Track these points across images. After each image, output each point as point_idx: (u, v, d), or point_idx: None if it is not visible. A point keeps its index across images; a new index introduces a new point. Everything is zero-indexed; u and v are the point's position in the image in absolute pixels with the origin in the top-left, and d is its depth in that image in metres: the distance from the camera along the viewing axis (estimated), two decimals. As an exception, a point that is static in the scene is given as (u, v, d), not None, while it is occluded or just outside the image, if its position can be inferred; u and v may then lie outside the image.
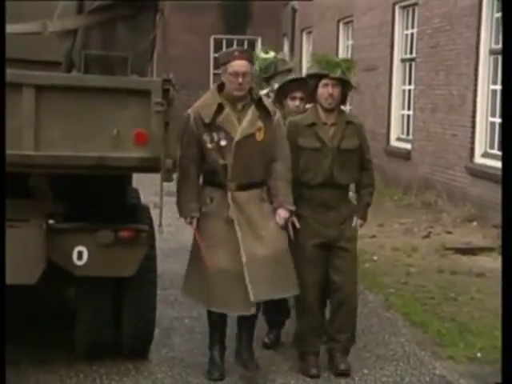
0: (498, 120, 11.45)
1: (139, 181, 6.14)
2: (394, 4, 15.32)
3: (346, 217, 5.42)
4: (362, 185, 5.55)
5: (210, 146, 4.95)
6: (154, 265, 5.44)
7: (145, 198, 6.53)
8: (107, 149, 4.73)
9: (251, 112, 5.02)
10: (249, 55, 5.13)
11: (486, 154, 11.79)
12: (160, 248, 5.61)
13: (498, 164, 11.23)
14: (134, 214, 5.50)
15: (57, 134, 4.72)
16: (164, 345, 5.72)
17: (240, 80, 4.88)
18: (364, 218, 5.58)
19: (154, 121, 4.67)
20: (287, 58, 7.39)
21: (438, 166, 12.97)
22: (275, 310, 5.78)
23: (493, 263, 9.13)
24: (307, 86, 5.54)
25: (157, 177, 4.75)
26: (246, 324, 5.27)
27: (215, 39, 25.23)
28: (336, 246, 5.34)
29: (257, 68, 6.23)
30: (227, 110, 4.98)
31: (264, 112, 5.09)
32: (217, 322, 5.25)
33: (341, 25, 19.31)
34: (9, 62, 5.18)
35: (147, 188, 6.21)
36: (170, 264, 7.26)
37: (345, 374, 5.25)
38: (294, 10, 22.60)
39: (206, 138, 4.95)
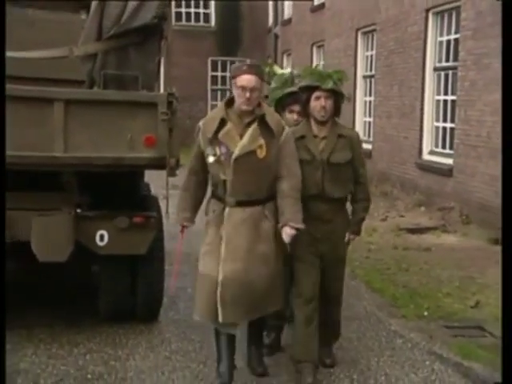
0: (441, 124, 11.59)
1: (149, 176, 6.12)
2: (357, 30, 15.32)
3: (339, 231, 4.54)
4: (356, 199, 4.63)
5: (211, 159, 4.17)
6: (162, 245, 5.45)
7: (154, 190, 6.52)
8: (123, 150, 4.75)
9: (252, 129, 4.12)
10: (258, 70, 4.22)
11: (431, 152, 11.88)
12: (167, 231, 5.59)
13: (442, 160, 11.34)
14: (146, 204, 5.51)
15: (82, 139, 4.73)
16: (171, 309, 5.72)
17: (248, 95, 4.05)
18: (357, 233, 4.69)
19: (161, 127, 4.71)
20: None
21: (393, 162, 13.01)
22: (274, 314, 4.66)
23: (437, 240, 9.20)
24: None
25: (163, 173, 4.80)
26: (254, 328, 4.60)
27: (212, 60, 25.11)
28: (326, 261, 4.52)
29: (274, 85, 5.09)
30: (229, 125, 4.13)
31: (267, 129, 4.17)
32: (219, 332, 4.39)
33: (314, 48, 19.29)
34: (42, 80, 5.20)
35: (156, 182, 6.18)
36: (176, 244, 7.23)
37: (332, 366, 4.74)
38: (276, 36, 22.56)
39: (209, 151, 4.17)
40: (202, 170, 4.30)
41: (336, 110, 4.50)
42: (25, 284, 6.40)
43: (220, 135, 4.11)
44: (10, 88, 4.70)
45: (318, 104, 4.35)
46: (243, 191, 4.16)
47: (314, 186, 4.36)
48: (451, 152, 11.02)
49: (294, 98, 4.76)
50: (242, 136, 4.11)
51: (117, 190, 5.21)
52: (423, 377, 4.64)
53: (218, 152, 4.13)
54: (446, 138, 11.41)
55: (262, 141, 4.12)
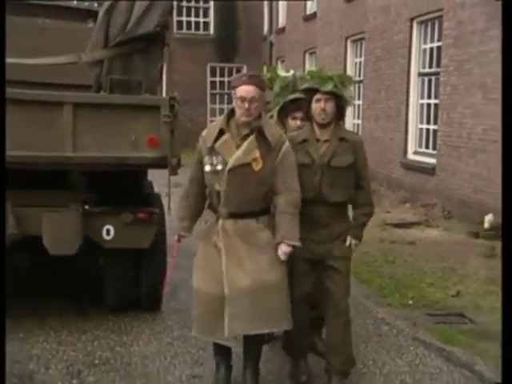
0: (424, 126, 11.61)
1: (152, 175, 6.13)
2: (346, 38, 15.33)
3: (338, 235, 4.14)
4: (357, 204, 4.21)
5: (208, 169, 3.88)
6: (164, 239, 5.46)
7: (157, 188, 6.53)
8: (127, 150, 4.76)
9: (249, 141, 3.82)
10: (257, 80, 3.89)
11: (415, 152, 11.90)
12: (169, 226, 5.60)
13: (425, 159, 11.36)
14: (149, 200, 5.51)
15: (89, 140, 4.74)
16: (173, 299, 5.73)
17: (246, 106, 3.76)
18: (358, 237, 4.23)
19: (163, 129, 4.71)
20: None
21: (380, 162, 13.01)
22: None
23: (421, 234, 9.21)
24: None
25: (165, 171, 4.80)
26: (252, 345, 4.11)
27: (211, 66, 25.07)
28: (326, 265, 4.14)
29: (277, 88, 4.77)
30: (227, 135, 3.86)
31: (265, 141, 3.84)
32: (219, 348, 4.13)
33: (306, 55, 19.27)
34: (52, 85, 5.21)
35: (158, 180, 6.18)
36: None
37: None
38: (271, 44, 22.56)
39: (206, 160, 3.88)
40: (202, 179, 4.01)
41: (339, 114, 4.14)
42: (37, 276, 6.40)
43: (217, 145, 3.85)
44: (23, 93, 4.72)
45: (318, 106, 4.01)
46: (236, 203, 3.86)
47: (311, 190, 4.01)
48: (434, 152, 11.05)
49: (297, 104, 4.47)
50: (239, 147, 3.83)
51: (122, 187, 5.21)
52: (408, 361, 4.66)
53: (214, 162, 3.86)
54: (430, 139, 11.43)
55: (257, 154, 3.81)
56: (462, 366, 4.55)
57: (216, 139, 3.87)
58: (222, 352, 4.12)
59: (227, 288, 3.80)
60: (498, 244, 7.99)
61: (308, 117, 4.16)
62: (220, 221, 3.89)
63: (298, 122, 4.50)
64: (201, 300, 3.95)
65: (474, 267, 7.15)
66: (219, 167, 3.83)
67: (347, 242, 4.17)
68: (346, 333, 4.18)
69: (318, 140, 4.09)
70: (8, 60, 4.93)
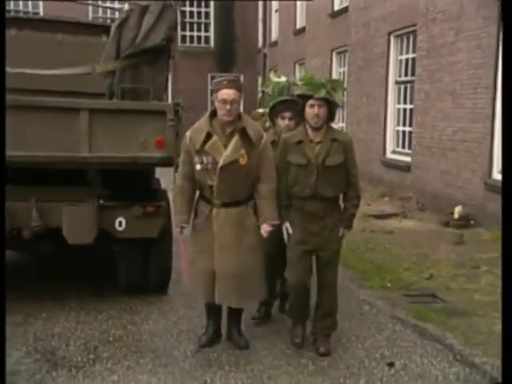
0: (401, 128, 11.62)
1: (160, 172, 6.13)
2: (332, 51, 15.31)
3: (332, 226, 4.22)
4: (348, 197, 4.28)
5: (199, 167, 4.03)
6: (170, 229, 5.45)
7: (164, 184, 6.52)
8: (137, 151, 4.75)
9: (235, 140, 3.98)
10: (236, 84, 4.05)
11: (393, 152, 11.91)
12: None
13: (402, 158, 11.39)
14: (156, 195, 5.51)
15: (103, 142, 4.73)
16: (178, 283, 5.71)
17: (228, 107, 3.91)
18: (349, 227, 4.34)
19: (169, 131, 4.72)
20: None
21: (362, 160, 12.91)
22: None
23: (398, 224, 9.22)
24: (296, 106, 4.30)
25: (171, 169, 4.80)
26: (235, 309, 4.39)
27: (211, 76, 24.84)
28: (320, 255, 4.26)
29: (270, 92, 4.79)
30: (215, 137, 3.98)
31: (248, 139, 4.01)
32: (210, 307, 4.41)
33: (296, 65, 19.23)
34: (70, 93, 5.20)
35: (165, 177, 6.17)
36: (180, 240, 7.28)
37: (325, 355, 4.27)
38: (265, 55, 22.52)
39: (196, 159, 4.02)
40: (193, 175, 4.13)
41: (330, 116, 4.17)
42: (58, 263, 6.40)
43: (206, 147, 3.97)
44: (45, 100, 4.71)
45: (312, 112, 4.02)
46: (227, 194, 4.06)
47: (308, 188, 4.07)
48: (409, 151, 11.06)
49: (286, 105, 4.51)
50: (225, 145, 3.99)
51: (132, 184, 5.21)
52: (386, 336, 4.68)
53: (204, 161, 4.00)
54: (406, 140, 11.44)
55: (243, 151, 3.99)
56: (434, 340, 4.56)
57: (204, 141, 3.97)
58: (213, 316, 4.43)
59: (217, 266, 4.11)
60: (466, 232, 8.04)
61: (302, 120, 4.18)
62: (214, 210, 4.10)
63: (287, 121, 4.53)
64: (201, 275, 4.18)
65: (444, 253, 7.17)
66: (210, 166, 3.99)
67: (340, 233, 4.27)
68: (333, 303, 4.40)
69: (311, 141, 4.10)
70: (31, 71, 4.93)
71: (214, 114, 4.08)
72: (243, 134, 4.00)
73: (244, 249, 4.13)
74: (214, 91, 4.02)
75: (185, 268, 4.44)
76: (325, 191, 4.09)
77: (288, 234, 4.25)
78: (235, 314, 4.44)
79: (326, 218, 4.17)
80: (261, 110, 5.27)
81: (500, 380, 3.47)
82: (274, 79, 4.87)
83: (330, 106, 4.09)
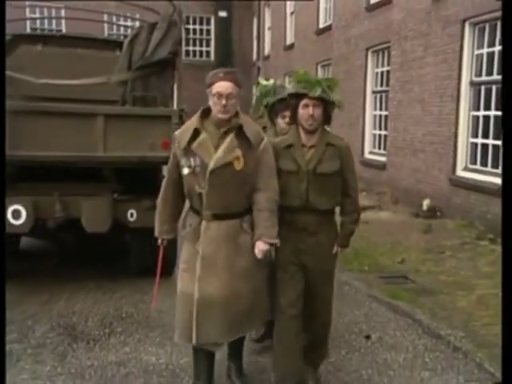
0: (377, 132, 11.61)
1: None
2: (317, 64, 15.27)
3: (325, 244, 3.15)
4: (345, 212, 3.22)
5: (186, 171, 2.94)
6: None
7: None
8: (146, 151, 4.73)
9: (229, 140, 2.89)
10: (234, 77, 2.94)
11: (371, 152, 11.88)
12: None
13: (378, 158, 11.37)
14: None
15: (117, 143, 4.71)
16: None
17: (224, 102, 2.85)
18: (345, 246, 3.28)
19: (174, 134, 4.69)
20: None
21: (343, 159, 13.02)
22: None
23: (375, 215, 9.18)
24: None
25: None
26: (234, 343, 3.21)
27: (212, 86, 24.98)
28: (312, 275, 3.15)
29: (257, 94, 4.02)
30: (203, 135, 2.91)
31: (245, 140, 2.92)
32: (197, 351, 3.14)
33: (286, 77, 19.18)
34: (88, 101, 5.18)
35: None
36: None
37: None
38: (259, 68, 22.43)
39: (183, 162, 2.95)
40: (179, 181, 3.05)
41: (326, 119, 3.15)
42: (78, 250, 6.39)
43: (193, 146, 2.90)
44: (66, 107, 4.70)
45: (306, 112, 3.02)
46: (219, 204, 2.93)
47: (297, 198, 3.05)
48: (385, 152, 11.06)
49: (286, 104, 3.48)
50: (217, 147, 2.90)
51: (142, 180, 5.19)
52: (364, 313, 4.68)
53: (192, 163, 2.92)
54: (381, 142, 11.44)
55: (238, 152, 2.89)
56: (406, 316, 4.57)
57: (191, 140, 2.92)
58: (202, 362, 3.16)
59: (197, 294, 2.90)
60: (433, 222, 8.06)
61: (294, 122, 3.17)
62: (203, 223, 2.96)
63: (287, 120, 3.53)
64: (182, 303, 3.01)
65: (414, 240, 7.18)
66: (198, 169, 2.91)
67: (334, 250, 3.22)
68: (324, 335, 3.36)
69: (303, 146, 3.11)
70: (54, 81, 4.91)
71: (206, 112, 3.02)
72: (240, 133, 2.94)
73: (235, 272, 2.95)
74: (208, 85, 2.93)
75: (156, 290, 3.40)
76: (317, 202, 3.06)
77: (276, 249, 3.11)
78: (234, 349, 3.35)
79: (318, 233, 3.11)
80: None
81: (500, 380, 3.14)
82: (263, 82, 4.18)
83: (326, 107, 3.11)
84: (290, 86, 3.24)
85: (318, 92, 3.02)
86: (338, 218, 3.28)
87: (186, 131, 2.98)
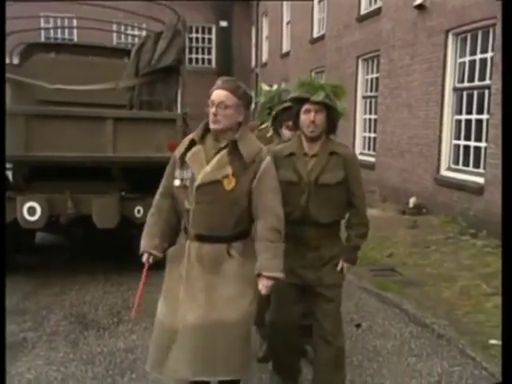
0: (367, 134, 11.59)
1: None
2: (311, 71, 15.23)
3: (328, 259, 2.72)
4: (351, 225, 2.78)
5: (177, 183, 2.49)
6: None
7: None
8: (152, 152, 4.71)
9: (219, 156, 2.42)
10: (231, 85, 2.48)
11: (361, 153, 11.73)
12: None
13: (368, 158, 11.30)
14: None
15: (125, 144, 4.70)
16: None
17: (213, 110, 2.39)
18: (352, 261, 2.78)
19: (178, 136, 4.67)
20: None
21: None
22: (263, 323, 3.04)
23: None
24: None
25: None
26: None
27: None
28: (315, 292, 2.72)
29: (261, 100, 3.62)
30: (198, 146, 2.47)
31: (239, 159, 2.40)
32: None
33: (282, 83, 19.15)
34: (98, 105, 5.17)
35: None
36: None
37: None
38: (257, 75, 22.38)
39: (177, 174, 2.51)
40: (174, 193, 2.57)
41: (331, 127, 2.72)
42: (88, 244, 6.37)
43: (187, 157, 2.48)
44: (77, 110, 4.69)
45: (307, 118, 2.64)
46: (203, 224, 2.44)
47: (298, 209, 2.64)
48: (374, 153, 11.05)
49: (290, 113, 2.99)
50: (210, 161, 2.44)
51: (148, 179, 5.17)
52: (355, 303, 4.67)
53: (184, 176, 2.49)
54: (371, 144, 11.42)
55: (229, 170, 2.39)
56: (393, 306, 4.57)
57: (186, 151, 2.50)
58: None
59: (180, 322, 2.41)
60: (419, 218, 8.05)
61: (296, 128, 2.79)
62: (187, 243, 2.50)
63: (293, 131, 3.13)
64: (156, 331, 2.53)
65: (401, 235, 7.18)
66: (188, 183, 2.46)
67: (339, 267, 2.75)
68: (335, 366, 2.78)
69: (305, 154, 2.71)
70: (67, 87, 4.90)
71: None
72: (234, 149, 2.43)
73: (217, 301, 2.40)
74: (209, 96, 2.53)
75: (137, 302, 2.75)
76: (319, 215, 2.66)
77: None
78: None
79: (321, 248, 2.71)
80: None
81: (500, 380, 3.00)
82: (265, 88, 3.82)
83: (330, 114, 2.69)
84: (292, 90, 2.85)
85: (320, 97, 2.62)
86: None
87: (185, 142, 2.56)
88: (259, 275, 2.40)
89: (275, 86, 3.74)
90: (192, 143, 2.51)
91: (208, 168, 2.42)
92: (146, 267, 2.64)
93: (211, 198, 2.41)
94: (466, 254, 6.16)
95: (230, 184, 2.40)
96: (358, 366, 3.49)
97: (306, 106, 2.66)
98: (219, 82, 2.53)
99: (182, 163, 2.51)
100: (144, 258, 2.61)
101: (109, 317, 4.25)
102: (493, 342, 3.78)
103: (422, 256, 6.17)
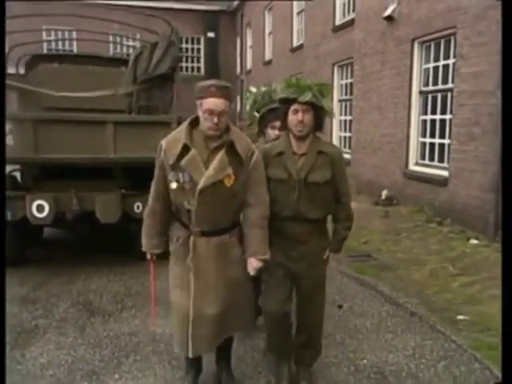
0: (343, 134, 11.60)
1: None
2: (291, 77, 15.20)
3: (317, 252, 2.68)
4: (338, 219, 2.73)
5: (175, 185, 2.40)
6: None
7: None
8: (149, 153, 4.62)
9: (220, 157, 2.36)
10: (226, 92, 2.36)
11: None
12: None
13: (344, 156, 11.35)
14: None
15: (125, 146, 4.63)
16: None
17: (216, 120, 2.31)
18: (337, 251, 2.81)
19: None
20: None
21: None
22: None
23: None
24: None
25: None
26: (223, 348, 2.78)
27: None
28: (304, 282, 2.69)
29: (250, 102, 3.43)
30: (193, 151, 2.36)
31: (236, 156, 2.40)
32: (191, 360, 2.77)
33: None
34: (99, 110, 5.11)
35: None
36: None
37: None
38: (242, 81, 22.28)
39: (171, 177, 2.41)
40: (167, 195, 2.50)
41: (317, 125, 2.61)
42: (92, 238, 6.30)
43: (183, 163, 2.35)
44: (81, 116, 4.62)
45: (296, 118, 2.52)
46: (208, 221, 2.44)
47: (288, 208, 2.56)
48: (349, 151, 11.07)
49: (276, 114, 2.96)
50: (206, 163, 2.36)
51: (146, 177, 5.12)
52: (336, 286, 4.68)
53: (181, 179, 2.38)
54: (347, 143, 11.45)
55: (230, 170, 2.37)
56: (370, 288, 4.59)
57: (180, 156, 2.37)
58: (192, 369, 2.83)
59: (192, 312, 2.49)
60: (391, 209, 8.10)
61: (285, 128, 2.65)
62: (191, 239, 2.47)
63: (277, 131, 3.05)
64: (179, 318, 2.57)
65: (376, 225, 7.23)
66: (187, 186, 2.37)
67: (325, 255, 2.73)
68: (317, 336, 2.85)
69: (294, 153, 2.60)
70: (70, 94, 4.83)
71: (194, 122, 2.46)
72: (230, 149, 2.40)
73: (229, 285, 2.53)
74: (198, 97, 2.37)
75: (154, 312, 2.84)
76: (308, 212, 2.57)
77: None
78: (223, 351, 2.84)
79: (309, 242, 2.64)
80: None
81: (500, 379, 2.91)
82: (253, 90, 3.55)
83: (317, 113, 2.57)
84: (279, 91, 2.69)
85: (307, 97, 2.50)
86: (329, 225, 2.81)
87: (175, 144, 2.40)
88: (250, 257, 2.51)
89: (263, 88, 3.52)
90: (185, 148, 2.37)
91: (211, 171, 2.35)
92: (152, 265, 2.70)
93: (213, 197, 2.38)
94: (433, 239, 6.23)
95: (229, 182, 2.39)
96: (341, 343, 3.50)
97: (293, 106, 2.54)
98: (213, 88, 2.33)
99: (176, 167, 2.38)
100: (148, 257, 2.68)
101: (113, 304, 4.22)
102: (460, 317, 3.84)
103: (394, 242, 6.22)
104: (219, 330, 2.56)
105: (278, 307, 2.66)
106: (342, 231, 2.75)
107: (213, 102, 2.32)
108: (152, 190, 2.58)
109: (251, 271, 2.52)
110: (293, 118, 2.55)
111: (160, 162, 2.48)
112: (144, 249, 2.64)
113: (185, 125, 2.46)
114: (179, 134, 2.45)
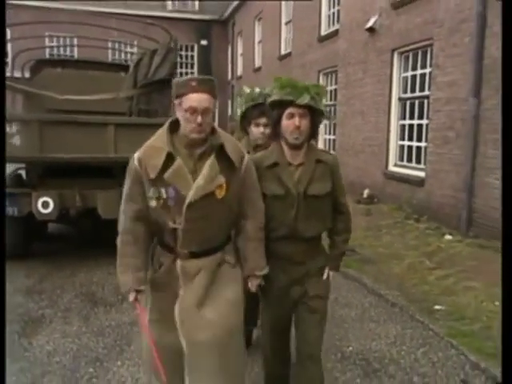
0: (327, 136, 11.62)
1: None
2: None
3: (315, 272, 2.16)
4: (336, 231, 2.20)
5: (154, 204, 1.85)
6: None
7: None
8: None
9: (210, 164, 1.82)
10: (210, 86, 1.81)
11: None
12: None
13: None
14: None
15: (125, 146, 4.58)
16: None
17: (199, 120, 1.77)
18: (337, 268, 2.24)
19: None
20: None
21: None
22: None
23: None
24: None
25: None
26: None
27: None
28: (300, 303, 2.15)
29: (243, 102, 2.81)
30: (179, 161, 1.81)
31: (227, 161, 1.86)
32: None
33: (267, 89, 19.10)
34: (101, 113, 5.06)
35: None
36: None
37: None
38: (233, 86, 22.23)
39: (151, 193, 1.85)
40: (146, 213, 1.91)
41: (313, 131, 2.07)
42: (94, 233, 6.24)
43: (167, 176, 1.81)
44: (84, 118, 4.57)
45: (292, 124, 1.99)
46: (198, 241, 1.90)
47: (285, 226, 2.06)
48: (334, 153, 11.13)
49: (260, 110, 2.59)
50: (193, 172, 1.83)
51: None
52: (322, 278, 4.70)
53: (163, 195, 1.84)
54: (331, 145, 11.48)
55: (222, 179, 1.84)
56: (355, 281, 4.61)
57: (164, 167, 1.82)
58: None
59: (185, 342, 1.91)
60: (372, 207, 8.15)
61: (276, 136, 2.11)
62: (178, 263, 1.92)
63: (262, 129, 2.64)
64: (165, 358, 1.95)
65: (358, 222, 7.19)
66: (171, 202, 1.84)
67: (324, 276, 2.20)
68: (317, 377, 2.19)
69: (289, 164, 2.07)
70: (73, 97, 4.77)
71: (174, 127, 1.92)
72: (220, 154, 1.87)
73: (225, 307, 1.94)
74: (177, 96, 1.83)
75: (152, 343, 1.94)
76: (305, 230, 2.08)
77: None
78: None
79: (306, 263, 2.14)
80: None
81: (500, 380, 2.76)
82: (247, 90, 2.98)
83: (314, 117, 2.05)
84: (271, 92, 2.20)
85: (306, 99, 1.98)
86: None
87: (154, 154, 1.86)
88: (248, 275, 2.05)
89: (257, 89, 2.92)
90: (168, 157, 1.82)
91: (200, 181, 1.80)
92: (140, 308, 1.94)
93: (203, 212, 1.84)
94: (411, 235, 6.27)
95: (221, 192, 1.85)
96: (328, 332, 3.48)
97: (289, 110, 2.00)
98: (194, 83, 1.79)
99: (157, 181, 1.83)
100: (132, 298, 1.92)
101: (114, 295, 4.18)
102: (437, 307, 3.88)
103: (375, 238, 6.24)
104: (218, 362, 1.91)
105: (277, 321, 2.22)
106: (340, 245, 2.22)
107: (195, 98, 1.78)
108: (127, 209, 1.93)
109: (252, 288, 2.09)
110: (288, 124, 2.01)
111: (135, 177, 1.89)
112: (125, 288, 1.91)
113: (163, 130, 1.91)
114: (157, 141, 1.90)
